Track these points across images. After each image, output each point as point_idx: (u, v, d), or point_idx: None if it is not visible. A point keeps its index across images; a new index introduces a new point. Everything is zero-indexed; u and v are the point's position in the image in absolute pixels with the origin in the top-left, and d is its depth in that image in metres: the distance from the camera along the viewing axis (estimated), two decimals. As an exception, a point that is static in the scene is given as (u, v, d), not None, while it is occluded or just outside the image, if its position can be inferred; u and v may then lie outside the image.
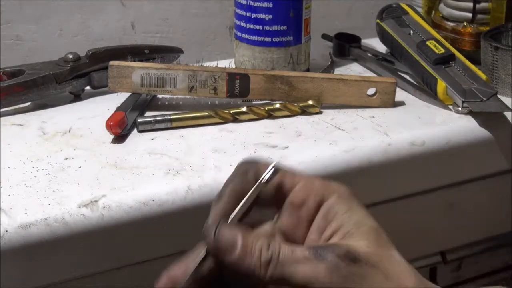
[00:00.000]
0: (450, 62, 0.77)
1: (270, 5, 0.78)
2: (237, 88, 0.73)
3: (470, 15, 0.86)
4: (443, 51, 0.78)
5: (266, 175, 0.44)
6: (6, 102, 0.73)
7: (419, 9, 0.95)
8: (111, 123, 0.67)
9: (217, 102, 0.76)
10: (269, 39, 0.79)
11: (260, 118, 0.72)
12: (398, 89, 0.76)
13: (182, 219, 0.60)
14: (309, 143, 0.67)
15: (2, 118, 0.73)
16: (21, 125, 0.72)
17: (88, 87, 0.79)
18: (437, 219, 0.74)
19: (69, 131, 0.70)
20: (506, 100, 0.74)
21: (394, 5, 0.89)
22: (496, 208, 0.76)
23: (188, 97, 0.74)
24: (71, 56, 0.77)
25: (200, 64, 0.74)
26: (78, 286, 0.58)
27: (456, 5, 0.87)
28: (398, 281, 0.42)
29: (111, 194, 0.58)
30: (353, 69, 0.87)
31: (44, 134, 0.70)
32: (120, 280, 0.60)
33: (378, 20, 0.88)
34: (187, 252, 0.45)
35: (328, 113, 0.73)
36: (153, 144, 0.67)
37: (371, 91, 0.74)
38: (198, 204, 0.60)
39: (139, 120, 0.70)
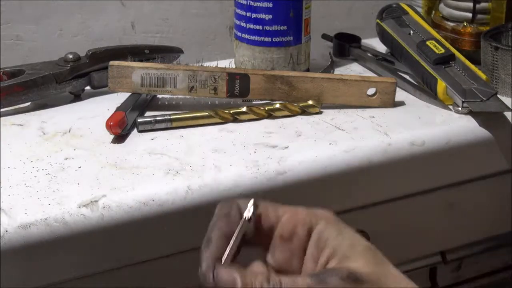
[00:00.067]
0: (450, 62, 0.77)
1: (270, 5, 0.78)
2: (237, 88, 0.73)
3: (470, 15, 0.86)
4: (443, 51, 0.78)
5: (248, 213, 0.44)
6: (6, 102, 0.73)
7: (419, 9, 0.95)
8: (111, 123, 0.67)
9: (217, 102, 0.76)
10: (269, 39, 0.79)
11: (260, 118, 0.72)
12: (398, 89, 0.76)
13: (182, 219, 0.60)
14: (309, 143, 0.67)
15: (2, 118, 0.73)
16: (21, 125, 0.72)
17: (88, 87, 0.79)
18: (437, 219, 0.74)
19: (69, 131, 0.70)
20: (506, 100, 0.74)
21: (394, 5, 0.89)
22: (496, 208, 0.76)
23: (188, 97, 0.74)
24: (71, 56, 0.77)
25: (200, 64, 0.74)
26: (78, 286, 0.58)
27: (456, 5, 0.87)
28: None
29: (111, 194, 0.58)
30: (353, 69, 0.87)
31: (44, 134, 0.70)
32: (120, 280, 0.60)
33: (378, 20, 0.88)
34: None
35: (328, 113, 0.73)
36: (153, 144, 0.67)
37: (371, 91, 0.74)
38: (198, 204, 0.60)
39: (139, 120, 0.70)
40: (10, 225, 0.54)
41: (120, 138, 0.68)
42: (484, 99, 0.71)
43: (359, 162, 0.66)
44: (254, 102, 0.75)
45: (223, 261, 0.43)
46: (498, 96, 0.73)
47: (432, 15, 0.92)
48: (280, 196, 0.63)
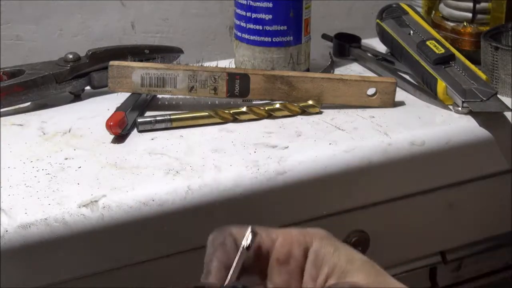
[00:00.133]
0: (450, 62, 0.77)
1: (270, 5, 0.78)
2: (237, 88, 0.73)
3: (470, 15, 0.86)
4: (443, 51, 0.78)
5: (246, 242, 0.43)
6: (6, 102, 0.73)
7: (419, 9, 0.95)
8: (111, 123, 0.67)
9: (217, 102, 0.76)
10: (269, 39, 0.79)
11: (260, 118, 0.72)
12: (398, 89, 0.76)
13: (182, 219, 0.60)
14: (309, 143, 0.67)
15: (2, 118, 0.73)
16: (21, 125, 0.72)
17: (88, 87, 0.79)
18: (437, 219, 0.74)
19: (69, 131, 0.70)
20: (506, 100, 0.74)
21: (394, 5, 0.89)
22: (496, 208, 0.76)
23: (188, 97, 0.74)
24: (71, 56, 0.77)
25: (200, 64, 0.74)
26: (78, 286, 0.58)
27: (456, 5, 0.87)
28: None
29: (111, 194, 0.58)
30: (353, 69, 0.87)
31: (44, 134, 0.70)
32: (120, 280, 0.60)
33: (378, 20, 0.88)
34: None
35: (328, 113, 0.73)
36: (153, 144, 0.67)
37: (371, 91, 0.74)
38: (198, 204, 0.60)
39: (139, 120, 0.70)
40: (10, 225, 0.54)
41: (120, 138, 0.68)
42: (484, 99, 0.71)
43: (359, 162, 0.66)
44: (254, 102, 0.75)
45: None
46: (498, 96, 0.73)
47: (432, 15, 0.92)
48: (280, 196, 0.63)
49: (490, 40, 0.79)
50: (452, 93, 0.74)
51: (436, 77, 0.76)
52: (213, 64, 0.78)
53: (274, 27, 0.79)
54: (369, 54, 0.89)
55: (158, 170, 0.62)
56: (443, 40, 0.81)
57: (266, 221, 0.63)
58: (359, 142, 0.67)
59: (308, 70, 0.83)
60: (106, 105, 0.74)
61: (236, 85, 0.73)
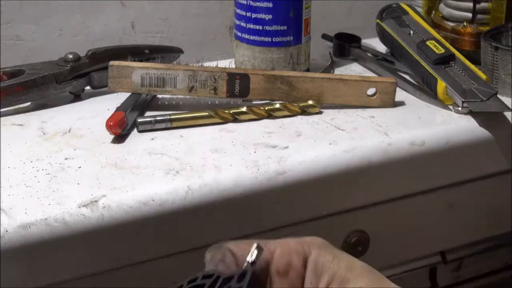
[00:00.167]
0: (450, 62, 0.77)
1: (270, 5, 0.78)
2: (237, 88, 0.73)
3: (470, 15, 0.86)
4: (443, 51, 0.78)
5: (252, 256, 0.43)
6: (6, 102, 0.73)
7: (419, 9, 0.95)
8: (111, 123, 0.67)
9: (217, 102, 0.76)
10: (269, 39, 0.79)
11: (260, 118, 0.72)
12: (398, 89, 0.76)
13: (182, 219, 0.60)
14: (309, 143, 0.67)
15: (2, 118, 0.73)
16: (21, 125, 0.72)
17: (88, 87, 0.79)
18: (437, 219, 0.74)
19: (69, 131, 0.70)
20: (506, 100, 0.74)
21: (394, 5, 0.89)
22: (496, 208, 0.76)
23: (188, 97, 0.74)
24: (71, 56, 0.77)
25: (200, 64, 0.74)
26: (78, 286, 0.58)
27: (456, 5, 0.87)
28: None
29: (111, 194, 0.58)
30: (353, 69, 0.87)
31: (44, 134, 0.70)
32: (120, 280, 0.60)
33: (378, 20, 0.88)
34: None
35: (328, 113, 0.73)
36: (153, 144, 0.67)
37: (371, 91, 0.74)
38: (198, 204, 0.60)
39: (139, 120, 0.70)
40: (10, 225, 0.54)
41: (120, 138, 0.68)
42: (484, 99, 0.71)
43: (359, 162, 0.66)
44: (254, 102, 0.75)
45: None
46: (498, 96, 0.73)
47: (432, 15, 0.92)
48: (280, 196, 0.63)
49: (490, 40, 0.79)
50: (452, 93, 0.74)
51: (436, 77, 0.76)
52: (213, 64, 0.78)
53: (274, 27, 0.79)
54: (369, 54, 0.89)
55: (158, 170, 0.62)
56: (443, 40, 0.81)
57: (266, 221, 0.64)
58: (359, 142, 0.67)
59: (308, 70, 0.83)
60: (106, 105, 0.74)
61: (236, 85, 0.73)
